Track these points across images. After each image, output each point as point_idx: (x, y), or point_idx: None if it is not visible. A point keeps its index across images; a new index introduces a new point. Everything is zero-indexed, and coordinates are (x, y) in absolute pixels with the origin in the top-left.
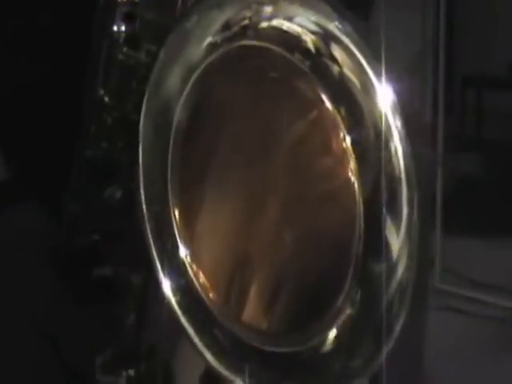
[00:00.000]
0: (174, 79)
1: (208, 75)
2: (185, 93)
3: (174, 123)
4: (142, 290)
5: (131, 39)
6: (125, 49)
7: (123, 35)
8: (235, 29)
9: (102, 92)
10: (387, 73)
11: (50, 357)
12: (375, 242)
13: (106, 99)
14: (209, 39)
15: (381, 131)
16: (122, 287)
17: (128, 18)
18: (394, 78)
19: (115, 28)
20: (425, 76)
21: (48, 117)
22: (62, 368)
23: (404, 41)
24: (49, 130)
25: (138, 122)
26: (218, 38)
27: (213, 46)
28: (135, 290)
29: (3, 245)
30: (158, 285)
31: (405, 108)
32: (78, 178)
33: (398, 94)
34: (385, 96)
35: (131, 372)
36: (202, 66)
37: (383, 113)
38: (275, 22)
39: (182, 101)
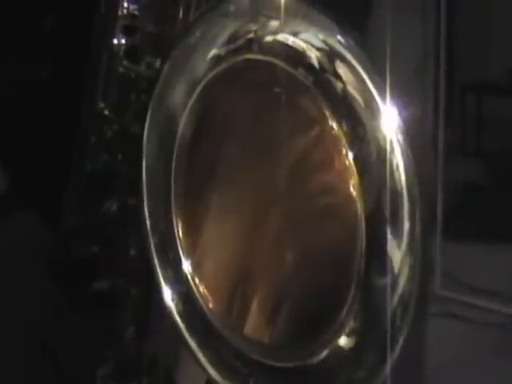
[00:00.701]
0: (178, 92)
1: (212, 88)
2: (189, 105)
3: (178, 136)
4: (142, 301)
5: (131, 52)
6: (125, 61)
7: (123, 48)
8: (240, 42)
9: (102, 105)
10: (391, 91)
11: (48, 368)
12: (377, 257)
13: (106, 112)
14: (213, 51)
15: (383, 147)
16: (121, 299)
17: (128, 31)
18: (398, 96)
19: (115, 41)
20: (426, 83)
21: (47, 128)
22: (61, 380)
23: (404, 49)
24: (48, 140)
25: (139, 134)
26: (223, 51)
27: (217, 59)
28: (135, 302)
29: (1, 254)
30: (159, 296)
31: (408, 126)
32: (77, 190)
33: (402, 113)
34: (389, 115)
35: None
36: (207, 79)
37: (387, 131)
38: (280, 37)
39: (186, 113)
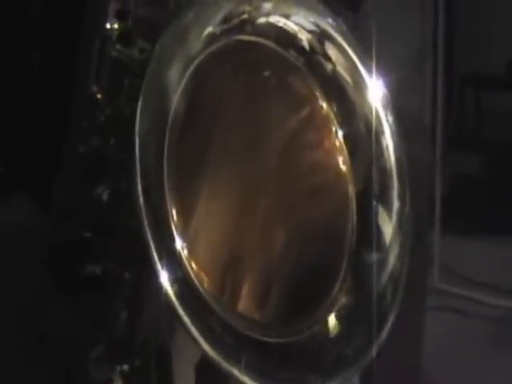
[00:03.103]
0: (172, 69)
1: (205, 67)
2: (183, 82)
3: (171, 113)
4: (135, 284)
5: (124, 36)
6: (117, 45)
7: (116, 32)
8: (234, 22)
9: (94, 88)
10: (378, 69)
11: (39, 352)
12: (368, 233)
13: (99, 96)
14: (208, 29)
15: (372, 126)
16: (113, 282)
17: (121, 15)
18: (385, 72)
19: (108, 25)
20: (423, 76)
21: (39, 112)
22: (52, 365)
23: (403, 40)
24: (40, 125)
25: (131, 118)
26: (218, 30)
27: (212, 37)
28: (127, 285)
29: None
30: (152, 278)
31: (395, 100)
32: (68, 174)
33: (389, 87)
34: (375, 91)
35: (125, 367)
36: (201, 57)
37: (374, 108)
38: (273, 19)
39: (179, 90)
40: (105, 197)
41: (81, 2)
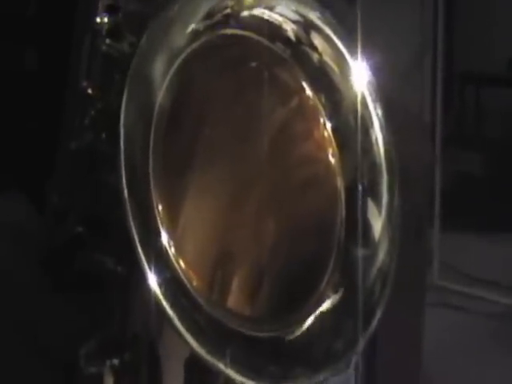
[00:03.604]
0: (157, 64)
1: (190, 63)
2: (167, 78)
3: (156, 108)
4: (127, 280)
5: (114, 30)
6: (108, 40)
7: (106, 26)
8: (218, 17)
9: (85, 83)
10: (364, 55)
11: (35, 350)
12: (357, 227)
13: (89, 91)
14: (192, 26)
15: (361, 118)
16: (106, 278)
17: (111, 9)
18: (370, 57)
19: (98, 19)
20: (423, 73)
21: (30, 107)
22: (47, 361)
23: (402, 37)
24: (31, 120)
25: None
26: (201, 26)
27: (196, 34)
28: (119, 281)
29: None
30: (141, 274)
31: (385, 94)
32: (61, 170)
33: (374, 72)
34: (361, 76)
35: (115, 361)
36: (185, 53)
37: (360, 95)
38: (256, 12)
39: (164, 86)
40: (97, 191)
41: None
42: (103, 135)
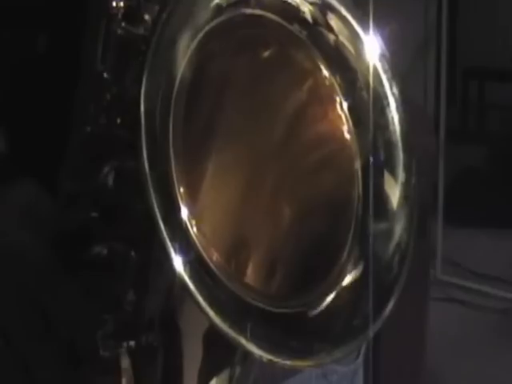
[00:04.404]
0: (179, 37)
1: (211, 40)
2: (188, 52)
3: (177, 83)
4: (142, 263)
5: (130, 14)
6: (123, 23)
7: (122, 10)
8: None
9: (100, 67)
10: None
11: (46, 334)
12: (374, 203)
13: (105, 75)
14: (216, 1)
15: (376, 95)
16: (120, 262)
17: None
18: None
19: (113, 3)
20: (427, 68)
21: (44, 92)
22: (59, 344)
23: (406, 32)
24: (45, 105)
25: (137, 97)
26: (224, 2)
27: (219, 9)
28: (134, 265)
29: None
30: (158, 256)
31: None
32: (75, 155)
33: (387, 43)
34: (373, 49)
35: (132, 343)
36: (207, 28)
37: (379, 80)
38: None
39: (185, 59)
40: (111, 176)
41: None
42: (118, 120)
